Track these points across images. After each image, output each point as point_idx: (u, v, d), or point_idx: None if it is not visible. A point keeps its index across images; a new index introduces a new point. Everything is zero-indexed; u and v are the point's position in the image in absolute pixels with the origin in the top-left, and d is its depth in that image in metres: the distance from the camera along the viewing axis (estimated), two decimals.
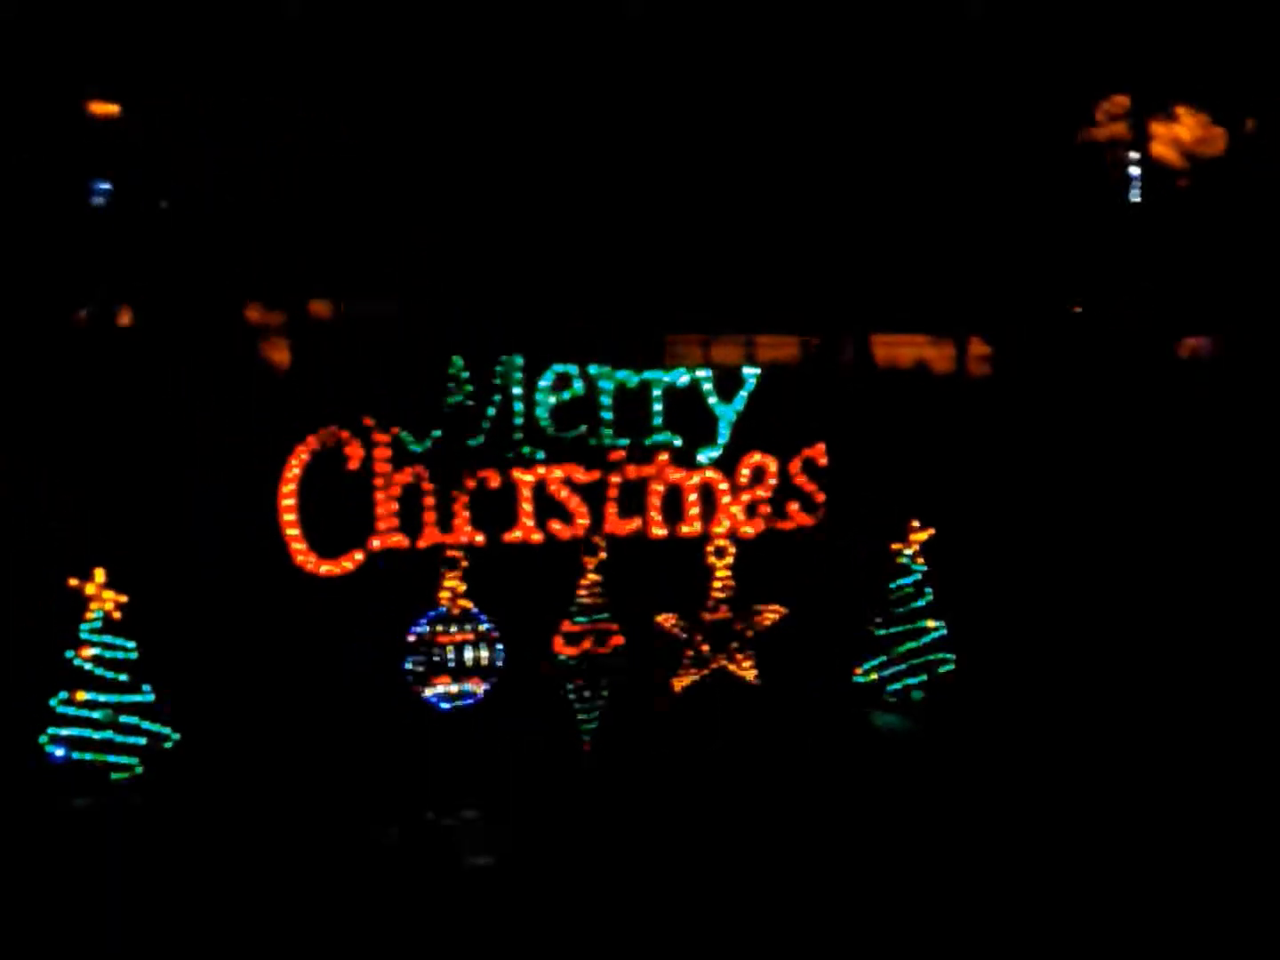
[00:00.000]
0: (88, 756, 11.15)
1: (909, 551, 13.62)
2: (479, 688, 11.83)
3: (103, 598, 11.19)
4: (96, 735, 11.24)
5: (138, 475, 11.37)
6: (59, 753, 11.17)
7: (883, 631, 13.58)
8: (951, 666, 13.63)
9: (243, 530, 11.44)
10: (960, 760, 11.97)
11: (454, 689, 11.76)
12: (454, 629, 11.77)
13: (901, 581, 13.64)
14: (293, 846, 10.27)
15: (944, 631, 13.62)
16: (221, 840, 10.38)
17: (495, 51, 12.37)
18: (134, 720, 11.32)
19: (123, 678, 11.28)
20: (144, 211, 11.54)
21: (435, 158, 12.44)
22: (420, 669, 11.68)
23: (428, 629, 11.72)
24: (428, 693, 11.71)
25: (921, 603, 13.67)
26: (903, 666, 13.59)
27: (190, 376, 11.66)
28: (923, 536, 13.60)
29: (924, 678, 13.58)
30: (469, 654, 11.81)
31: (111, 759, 11.24)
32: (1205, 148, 14.66)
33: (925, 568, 13.63)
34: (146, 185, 11.63)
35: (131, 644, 11.28)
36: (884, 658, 13.59)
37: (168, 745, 11.40)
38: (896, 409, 13.51)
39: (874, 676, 13.60)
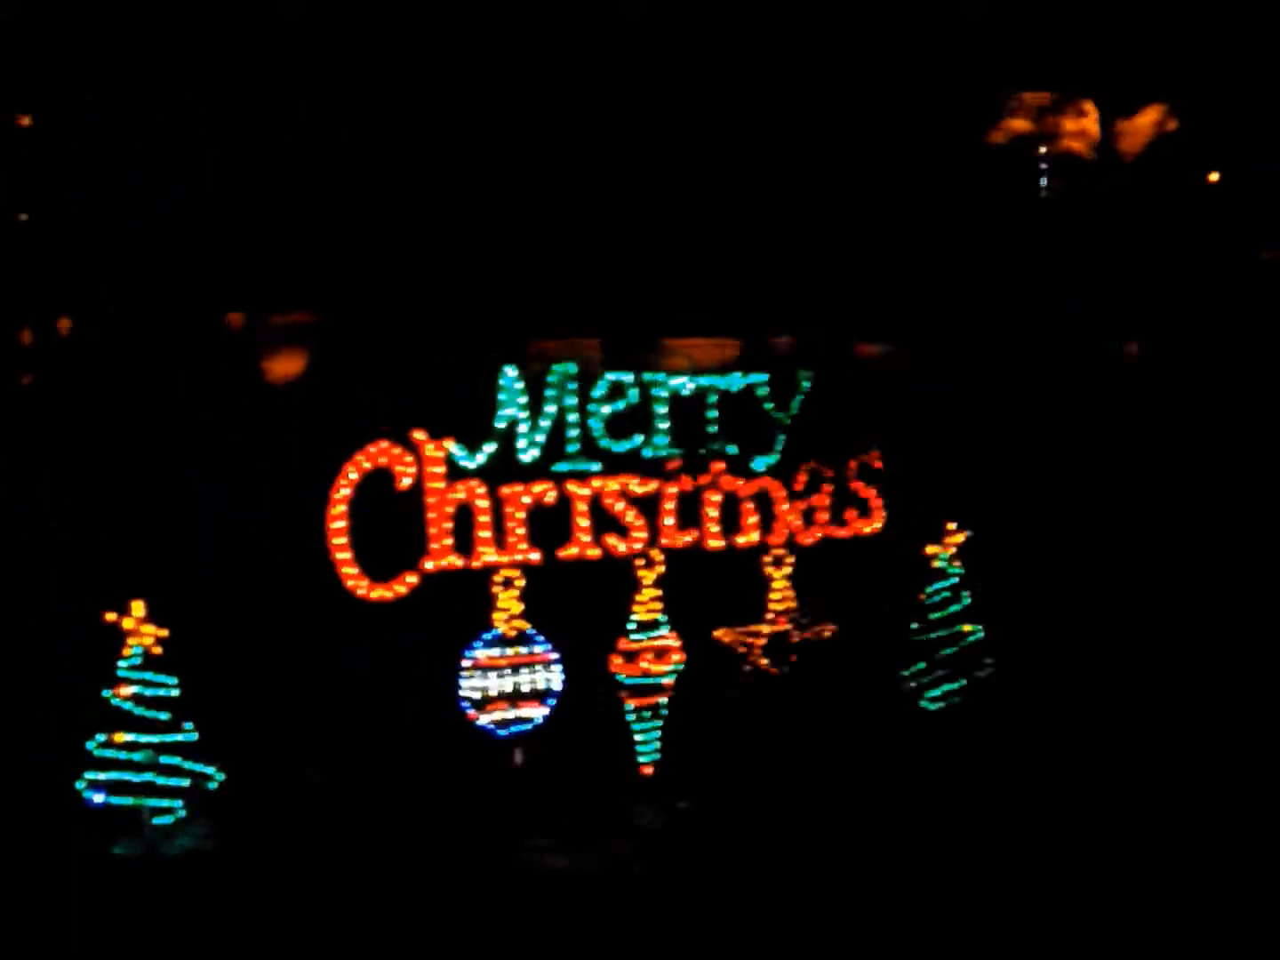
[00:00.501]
0: (128, 801, 10.48)
1: (945, 555, 13.28)
2: (537, 713, 11.31)
3: (141, 632, 10.45)
4: (136, 778, 10.56)
5: (176, 501, 10.61)
6: (98, 798, 10.46)
7: (920, 637, 13.25)
8: (990, 670, 13.33)
9: (288, 556, 10.73)
10: (998, 766, 11.73)
11: (510, 715, 11.23)
12: (510, 651, 11.23)
13: (938, 585, 13.31)
14: (349, 883, 9.81)
15: (981, 635, 13.33)
16: (272, 882, 9.87)
17: (496, 51, 11.78)
18: (176, 760, 10.64)
19: (164, 716, 10.57)
20: (159, 214, 10.77)
21: (457, 161, 11.78)
22: (475, 695, 11.13)
23: (483, 653, 11.16)
24: (483, 720, 11.17)
25: (958, 607, 13.36)
26: (941, 672, 13.30)
27: (228, 393, 10.91)
28: (959, 539, 13.28)
29: (963, 683, 13.29)
30: (525, 678, 11.28)
31: (152, 802, 10.58)
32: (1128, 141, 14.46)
33: (962, 571, 13.31)
34: (158, 184, 10.85)
35: (173, 680, 10.58)
36: (923, 663, 13.27)
37: (212, 785, 10.75)
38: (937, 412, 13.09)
39: (912, 683, 13.28)
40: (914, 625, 13.12)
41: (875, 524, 12.43)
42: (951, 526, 13.14)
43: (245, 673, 10.77)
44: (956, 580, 13.32)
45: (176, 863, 10.29)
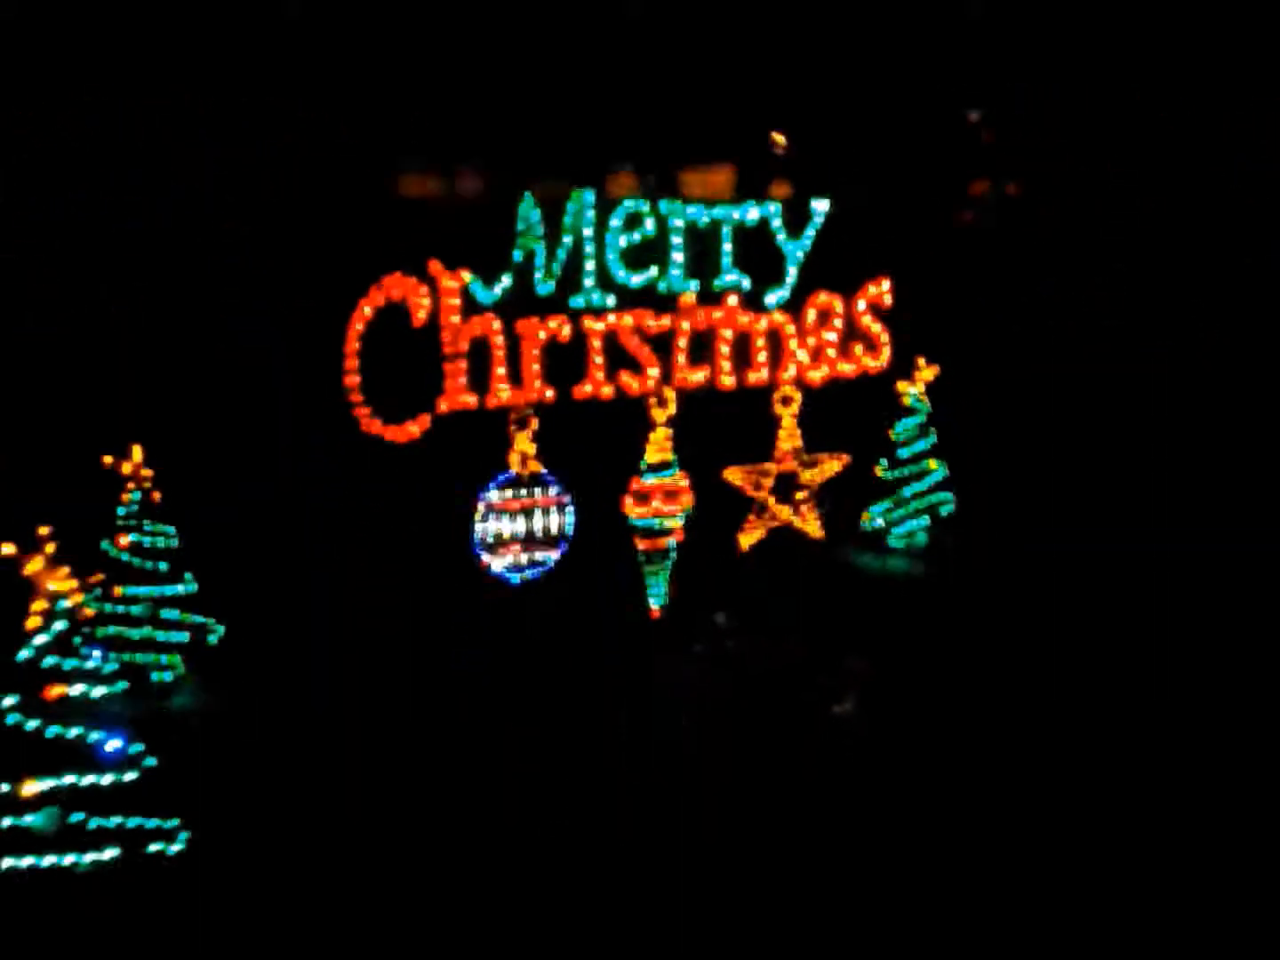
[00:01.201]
0: (126, 657, 9.77)
1: (914, 391, 13.11)
2: (550, 556, 10.91)
3: (140, 477, 9.64)
4: (135, 633, 9.86)
5: (178, 330, 9.71)
6: (96, 654, 9.74)
7: (889, 475, 13.16)
8: (952, 508, 13.34)
9: (298, 395, 9.97)
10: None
11: (524, 559, 10.81)
12: (524, 494, 10.75)
13: (906, 423, 13.18)
14: (354, 730, 9.39)
15: (945, 473, 13.30)
16: (271, 739, 9.36)
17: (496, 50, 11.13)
18: (175, 614, 9.96)
19: (163, 567, 9.85)
20: None
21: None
22: (489, 539, 10.66)
23: (496, 495, 10.66)
24: (496, 565, 10.72)
25: (925, 444, 13.28)
26: (907, 509, 13.28)
27: (237, 226, 9.99)
28: (929, 375, 13.12)
29: (926, 520, 13.30)
30: (539, 520, 10.84)
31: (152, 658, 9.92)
32: None
33: (929, 408, 13.17)
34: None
35: (172, 529, 9.82)
36: (889, 502, 13.22)
37: (213, 639, 10.11)
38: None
39: (880, 522, 13.24)
40: (882, 462, 13.07)
41: (881, 361, 12.18)
42: (921, 361, 13.00)
43: (248, 520, 10.09)
44: (924, 418, 13.26)
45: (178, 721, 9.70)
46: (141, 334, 9.79)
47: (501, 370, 10.41)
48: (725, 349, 11.36)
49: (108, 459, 9.48)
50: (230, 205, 10.04)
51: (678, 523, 11.38)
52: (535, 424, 10.66)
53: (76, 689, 7.85)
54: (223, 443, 10.01)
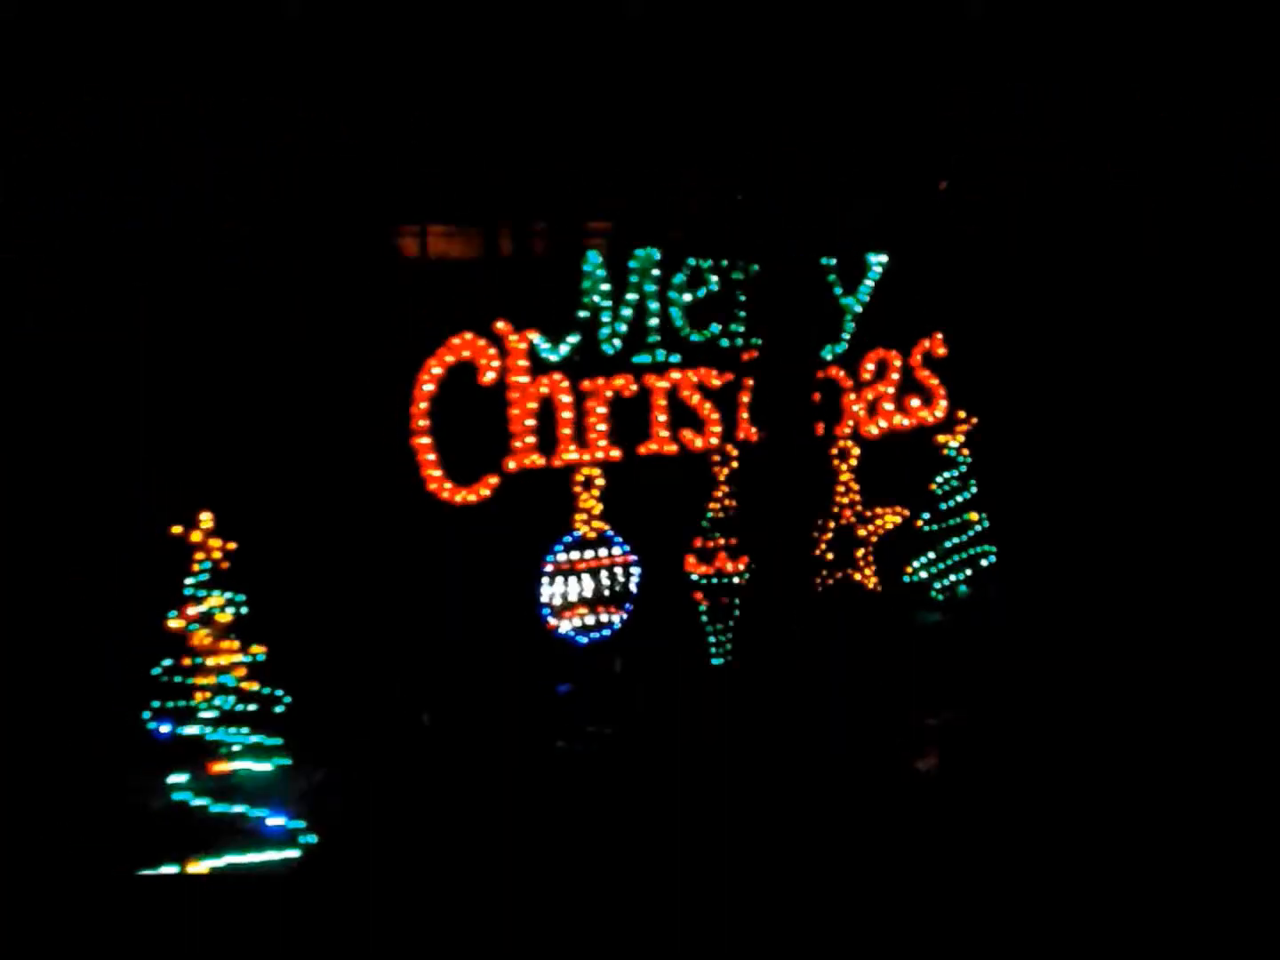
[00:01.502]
0: (195, 730, 9.53)
1: (954, 443, 13.07)
2: (615, 617, 10.75)
3: (209, 546, 9.42)
4: (203, 705, 9.61)
5: (244, 399, 9.53)
6: (165, 730, 9.49)
7: (932, 528, 13.06)
8: (993, 559, 13.25)
9: (365, 459, 9.80)
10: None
11: (590, 620, 10.65)
12: (590, 554, 10.59)
13: (947, 475, 13.11)
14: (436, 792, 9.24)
15: (986, 524, 13.21)
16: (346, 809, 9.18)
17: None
18: (242, 684, 9.71)
19: (230, 636, 9.62)
20: None
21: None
22: (557, 601, 10.49)
23: (563, 556, 10.50)
24: (563, 627, 10.55)
25: (966, 495, 13.20)
26: (949, 562, 13.17)
27: (299, 291, 9.84)
28: (966, 427, 13.06)
29: (968, 572, 13.19)
30: (605, 581, 10.68)
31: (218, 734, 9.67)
32: None
33: (970, 460, 13.11)
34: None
35: (241, 598, 9.60)
36: (931, 554, 13.12)
37: (280, 709, 9.87)
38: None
39: (923, 575, 13.13)
40: (924, 515, 12.99)
41: (937, 413, 12.12)
42: (961, 414, 12.95)
43: (317, 585, 9.88)
44: (965, 469, 13.20)
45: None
46: (206, 397, 9.60)
47: (568, 430, 10.30)
48: (786, 405, 11.29)
49: (176, 528, 9.29)
50: (296, 268, 9.90)
51: (740, 580, 11.26)
52: (601, 483, 10.55)
53: (241, 765, 7.74)
54: (289, 507, 9.81)
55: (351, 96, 10.58)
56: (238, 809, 7.68)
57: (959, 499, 13.20)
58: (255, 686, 8.38)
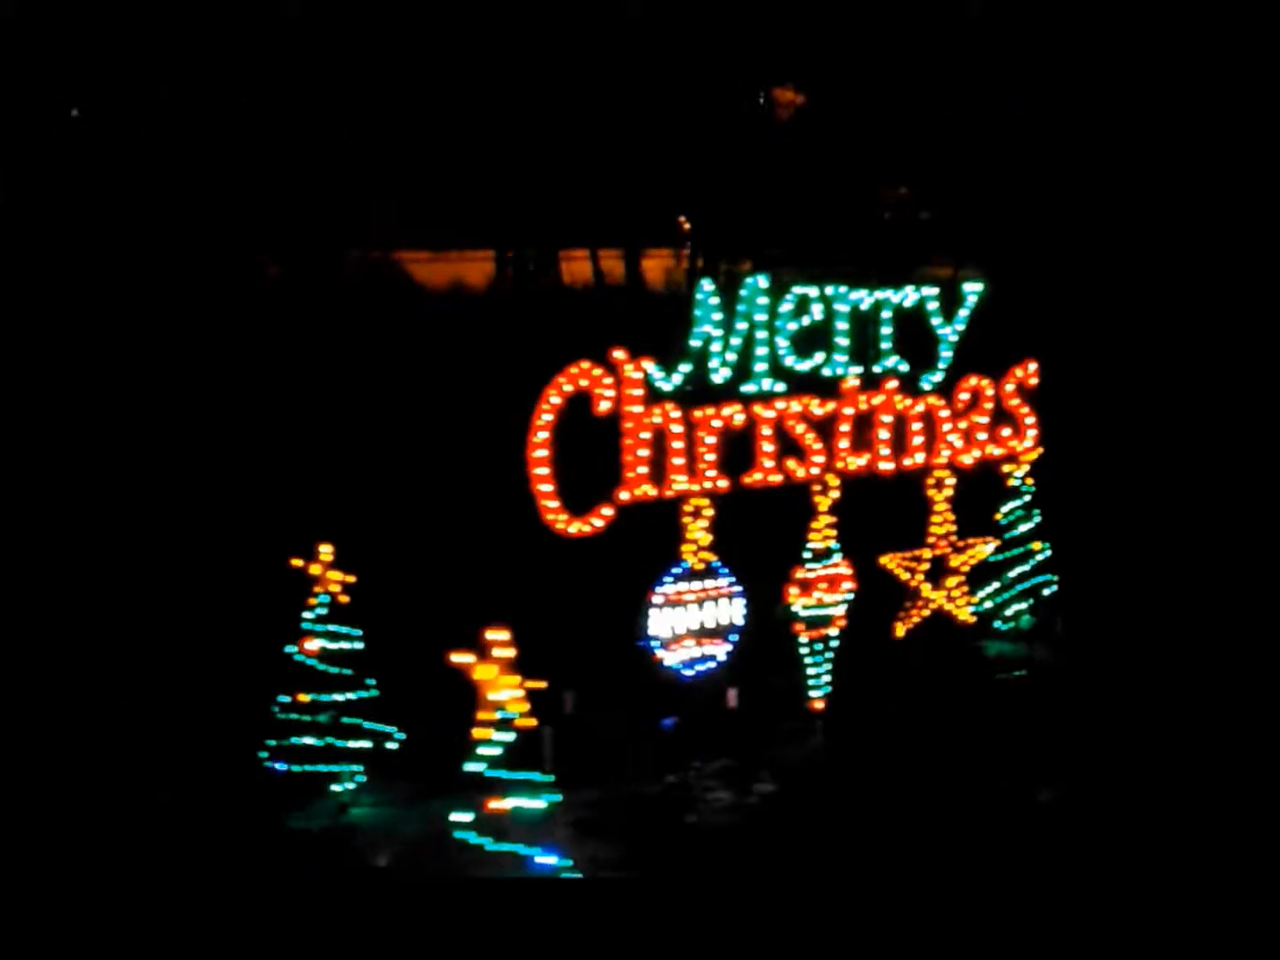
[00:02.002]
0: (310, 768, 9.32)
1: (1019, 473, 12.99)
2: (720, 650, 10.61)
3: (328, 579, 9.23)
4: (318, 742, 9.39)
5: (361, 433, 9.37)
6: (280, 766, 9.27)
7: (996, 558, 12.96)
8: (1055, 589, 13.18)
9: (481, 490, 9.64)
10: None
11: (697, 652, 10.50)
12: (697, 585, 10.45)
13: (1012, 504, 13.03)
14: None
15: (1049, 554, 13.14)
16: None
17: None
18: (357, 720, 9.51)
19: (347, 672, 9.42)
20: None
21: None
22: (665, 633, 10.34)
23: (672, 588, 10.36)
24: (670, 659, 10.40)
25: (1030, 525, 13.13)
26: (1013, 592, 13.08)
27: (416, 326, 9.71)
28: (1031, 456, 12.98)
29: (1030, 602, 13.11)
30: (710, 612, 10.54)
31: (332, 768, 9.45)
32: None
33: (1034, 489, 13.05)
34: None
35: (358, 632, 9.41)
36: (996, 584, 13.03)
37: (392, 745, 9.66)
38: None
39: (988, 605, 13.03)
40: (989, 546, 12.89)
41: (1027, 443, 12.09)
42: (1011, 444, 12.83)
43: (430, 617, 9.70)
44: (1029, 498, 13.14)
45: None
46: (324, 431, 9.44)
47: (680, 460, 10.19)
48: (884, 434, 11.22)
49: (296, 560, 9.10)
50: (417, 304, 9.78)
51: (839, 611, 11.16)
52: (710, 513, 10.43)
53: (516, 803, 7.65)
54: (405, 540, 9.64)
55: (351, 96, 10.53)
56: (511, 847, 7.54)
57: (1023, 528, 13.19)
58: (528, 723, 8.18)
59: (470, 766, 7.88)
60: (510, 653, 7.84)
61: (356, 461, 9.41)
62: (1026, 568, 13.06)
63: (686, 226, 11.92)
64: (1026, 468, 12.90)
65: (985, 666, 12.36)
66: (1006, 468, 12.74)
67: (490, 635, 7.99)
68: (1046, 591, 13.10)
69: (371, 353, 9.51)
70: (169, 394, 9.97)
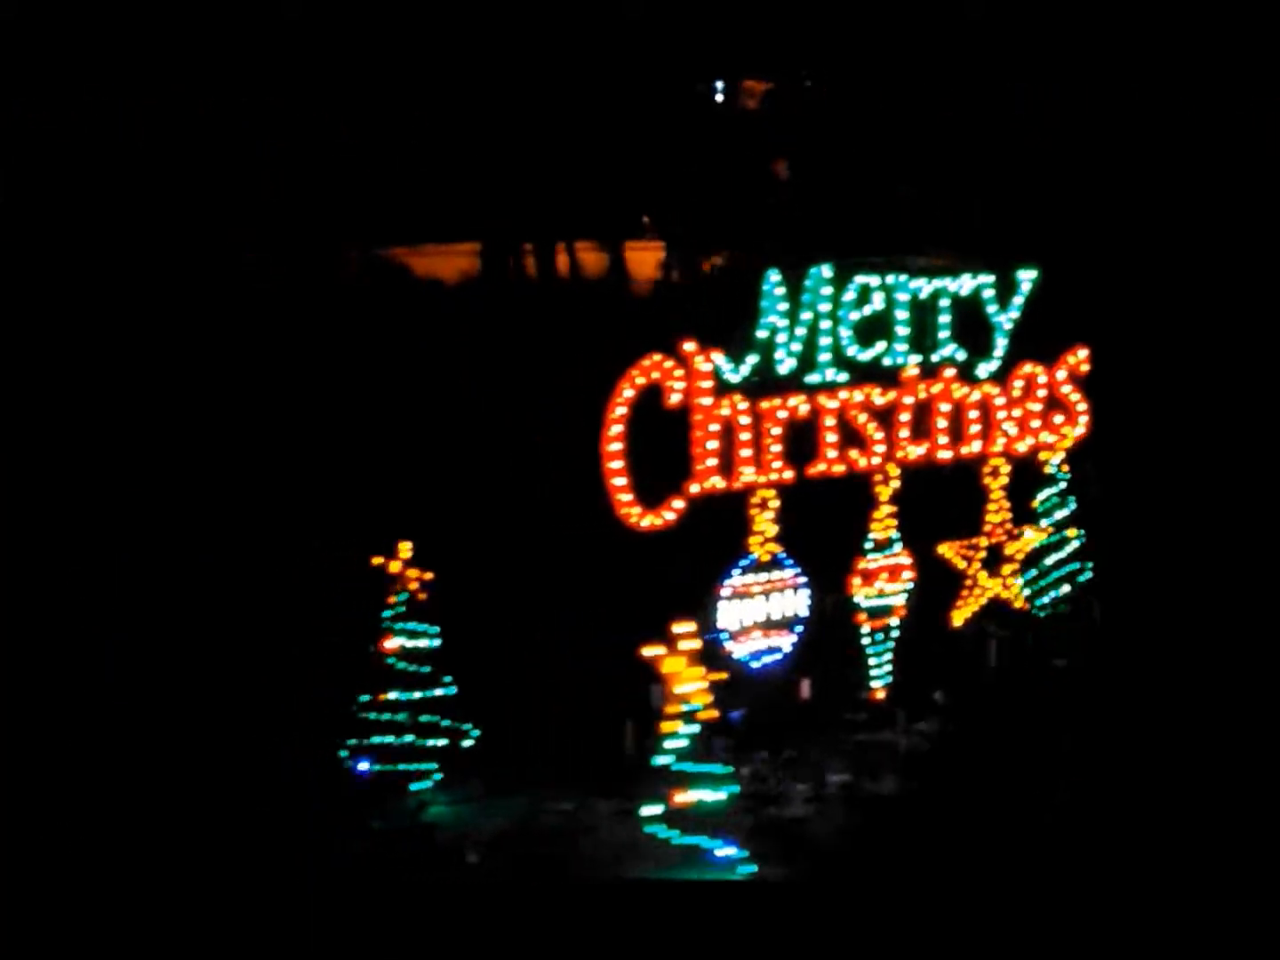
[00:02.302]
0: (391, 767, 9.25)
1: (1055, 459, 12.98)
2: (786, 641, 10.59)
3: (407, 577, 9.15)
4: (398, 741, 9.32)
5: (441, 435, 9.30)
6: (364, 767, 9.20)
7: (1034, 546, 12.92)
8: (1090, 576, 13.18)
9: (552, 485, 9.59)
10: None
11: (764, 643, 10.48)
12: (764, 577, 10.43)
13: (1048, 491, 13.03)
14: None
15: (1084, 541, 13.17)
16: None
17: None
18: (434, 719, 9.44)
19: (425, 670, 9.35)
20: None
21: None
22: (734, 624, 10.31)
23: (739, 579, 10.33)
24: (738, 650, 10.38)
25: (1066, 512, 13.15)
26: (1050, 579, 13.10)
27: (492, 322, 9.63)
28: (1068, 442, 12.99)
29: (1066, 589, 13.13)
30: (777, 604, 10.52)
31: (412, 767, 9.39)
32: None
33: (1069, 476, 13.06)
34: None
35: (435, 630, 9.34)
36: (1033, 572, 13.04)
37: (468, 744, 9.60)
38: None
39: (1027, 591, 13.00)
40: (1028, 533, 12.88)
41: (1079, 430, 12.10)
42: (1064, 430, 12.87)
43: (504, 614, 9.64)
44: (1065, 485, 13.15)
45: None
46: (402, 429, 9.36)
47: (747, 451, 10.16)
48: (943, 422, 11.22)
49: (376, 558, 9.02)
50: (491, 302, 9.71)
51: (900, 601, 11.17)
52: (776, 505, 10.41)
53: (698, 795, 7.61)
54: (480, 536, 9.57)
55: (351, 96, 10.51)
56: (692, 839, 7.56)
57: (1060, 515, 13.20)
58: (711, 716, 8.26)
59: (658, 760, 7.93)
60: (697, 645, 7.90)
61: (432, 459, 9.32)
62: (1063, 555, 13.11)
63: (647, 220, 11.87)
64: (1063, 455, 12.97)
65: (1028, 656, 12.44)
66: (1043, 455, 12.78)
67: (678, 628, 8.06)
68: (1082, 579, 13.19)
69: (447, 348, 9.43)
70: (214, 393, 9.84)
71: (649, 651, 7.99)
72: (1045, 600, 12.93)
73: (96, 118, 10.04)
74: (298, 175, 10.73)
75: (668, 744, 7.99)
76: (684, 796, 7.85)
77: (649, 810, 8.01)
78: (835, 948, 7.29)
